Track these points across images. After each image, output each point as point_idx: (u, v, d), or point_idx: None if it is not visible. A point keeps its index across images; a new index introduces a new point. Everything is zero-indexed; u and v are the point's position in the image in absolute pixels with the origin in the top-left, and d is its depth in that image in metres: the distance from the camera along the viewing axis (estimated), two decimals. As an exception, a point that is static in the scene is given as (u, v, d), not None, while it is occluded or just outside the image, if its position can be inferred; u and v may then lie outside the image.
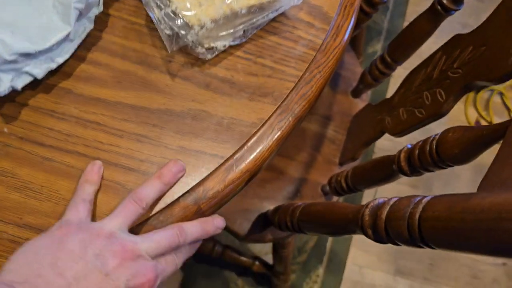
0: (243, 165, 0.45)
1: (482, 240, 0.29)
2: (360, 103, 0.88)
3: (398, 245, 0.40)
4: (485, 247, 0.29)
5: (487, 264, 1.23)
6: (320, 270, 1.17)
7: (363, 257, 1.20)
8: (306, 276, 1.16)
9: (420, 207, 0.36)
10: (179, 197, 0.43)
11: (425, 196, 0.37)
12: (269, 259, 1.10)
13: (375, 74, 0.78)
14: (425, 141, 0.50)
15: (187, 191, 0.43)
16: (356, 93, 0.87)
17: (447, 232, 0.32)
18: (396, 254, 1.21)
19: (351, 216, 0.47)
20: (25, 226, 0.41)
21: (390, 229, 0.39)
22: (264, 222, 0.77)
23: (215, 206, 0.44)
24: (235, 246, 1.10)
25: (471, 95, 1.40)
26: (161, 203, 0.42)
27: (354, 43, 1.18)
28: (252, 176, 0.45)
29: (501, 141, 0.41)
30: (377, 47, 1.43)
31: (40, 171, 0.43)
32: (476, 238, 0.30)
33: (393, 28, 1.47)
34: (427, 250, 1.21)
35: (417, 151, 0.51)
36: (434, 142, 0.48)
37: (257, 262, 1.06)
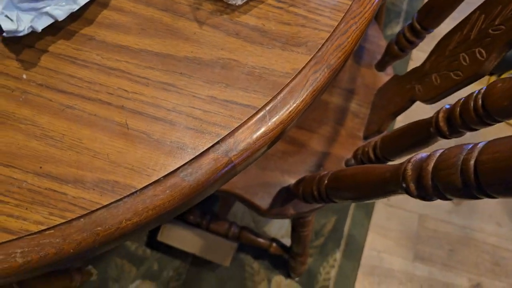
0: (276, 117, 0.42)
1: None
2: (384, 77, 0.85)
3: (446, 199, 0.37)
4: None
5: (509, 251, 1.19)
6: (338, 254, 1.14)
7: (381, 242, 1.17)
8: (323, 260, 1.13)
9: (476, 151, 0.33)
10: (209, 148, 0.40)
11: (478, 143, 0.34)
12: (286, 242, 1.07)
13: (402, 44, 0.75)
14: (468, 97, 0.47)
15: (217, 142, 0.40)
16: (381, 66, 0.84)
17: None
18: (415, 239, 1.17)
19: (389, 175, 0.44)
20: (45, 175, 0.38)
21: (438, 180, 0.36)
22: (285, 197, 0.75)
23: (246, 159, 0.41)
24: (251, 228, 1.07)
25: (492, 78, 1.36)
26: (190, 154, 0.39)
27: (374, 22, 1.15)
28: (284, 129, 0.42)
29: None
30: (396, 29, 1.40)
31: (61, 119, 0.40)
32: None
33: (412, 10, 1.43)
34: (446, 235, 1.17)
35: (458, 109, 0.48)
36: (480, 96, 0.44)
37: (274, 244, 1.03)
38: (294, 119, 0.43)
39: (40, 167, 0.38)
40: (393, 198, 1.21)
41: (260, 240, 1.03)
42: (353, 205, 1.19)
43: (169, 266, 1.11)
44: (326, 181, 0.58)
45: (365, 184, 0.48)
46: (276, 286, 1.11)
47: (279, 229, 1.16)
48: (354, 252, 1.15)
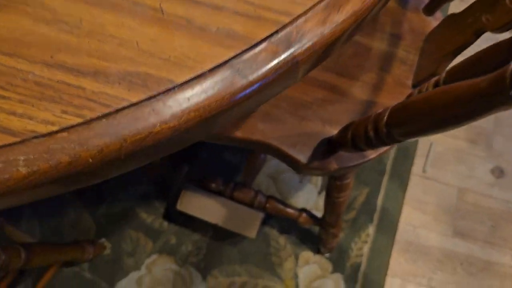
0: (349, 5, 0.33)
1: None
2: (433, 22, 0.76)
3: None
4: None
5: (556, 228, 1.10)
6: (371, 229, 1.05)
7: (418, 216, 1.08)
8: (355, 235, 1.04)
9: None
10: (266, 38, 0.31)
11: None
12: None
13: (460, -23, 0.66)
14: None
15: (276, 31, 0.31)
16: (430, 10, 0.75)
17: None
18: (454, 214, 1.08)
19: (485, 85, 0.35)
20: (58, 66, 0.30)
21: None
22: (327, 149, 0.66)
23: (312, 57, 0.32)
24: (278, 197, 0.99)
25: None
26: (241, 43, 0.31)
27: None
28: (357, 23, 0.34)
29: None
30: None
31: (77, 2, 0.32)
32: None
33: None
34: (488, 210, 1.05)
35: None
36: None
37: (304, 214, 0.94)
38: (367, 11, 0.34)
39: (51, 57, 0.30)
40: (430, 170, 1.12)
41: (289, 210, 0.94)
42: (386, 177, 1.10)
43: (188, 240, 1.03)
44: (385, 118, 0.49)
45: (448, 105, 0.39)
46: (304, 262, 1.02)
47: (307, 201, 1.07)
48: (388, 227, 1.06)
